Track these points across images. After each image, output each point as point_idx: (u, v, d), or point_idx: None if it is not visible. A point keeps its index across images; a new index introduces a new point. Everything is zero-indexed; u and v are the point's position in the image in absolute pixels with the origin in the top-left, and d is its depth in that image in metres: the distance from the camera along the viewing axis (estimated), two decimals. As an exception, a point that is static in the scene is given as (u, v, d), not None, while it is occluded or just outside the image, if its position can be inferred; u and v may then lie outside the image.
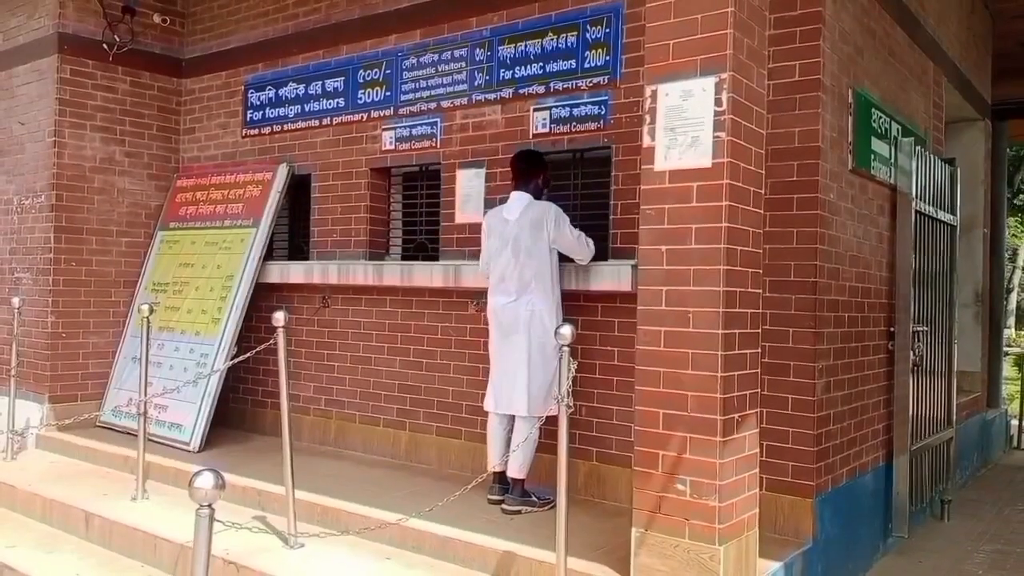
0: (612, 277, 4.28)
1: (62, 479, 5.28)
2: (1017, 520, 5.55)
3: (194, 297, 6.17)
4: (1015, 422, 9.28)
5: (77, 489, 5.01)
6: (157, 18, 6.73)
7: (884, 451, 4.72)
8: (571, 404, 3.23)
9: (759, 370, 3.44)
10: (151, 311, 5.04)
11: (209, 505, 2.35)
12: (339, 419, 5.78)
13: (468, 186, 5.07)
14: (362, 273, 5.49)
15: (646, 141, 3.33)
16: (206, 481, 2.32)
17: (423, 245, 5.57)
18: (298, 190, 6.16)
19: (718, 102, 3.17)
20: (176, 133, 6.89)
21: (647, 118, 3.34)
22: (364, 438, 5.61)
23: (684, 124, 3.23)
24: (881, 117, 4.56)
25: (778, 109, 3.90)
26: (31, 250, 6.45)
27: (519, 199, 4.37)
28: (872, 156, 4.46)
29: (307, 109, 6.01)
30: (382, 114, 5.57)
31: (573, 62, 4.70)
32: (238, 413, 6.38)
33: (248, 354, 4.74)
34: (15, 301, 5.98)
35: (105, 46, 6.42)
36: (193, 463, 5.00)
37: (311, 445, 5.72)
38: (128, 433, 5.82)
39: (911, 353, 4.77)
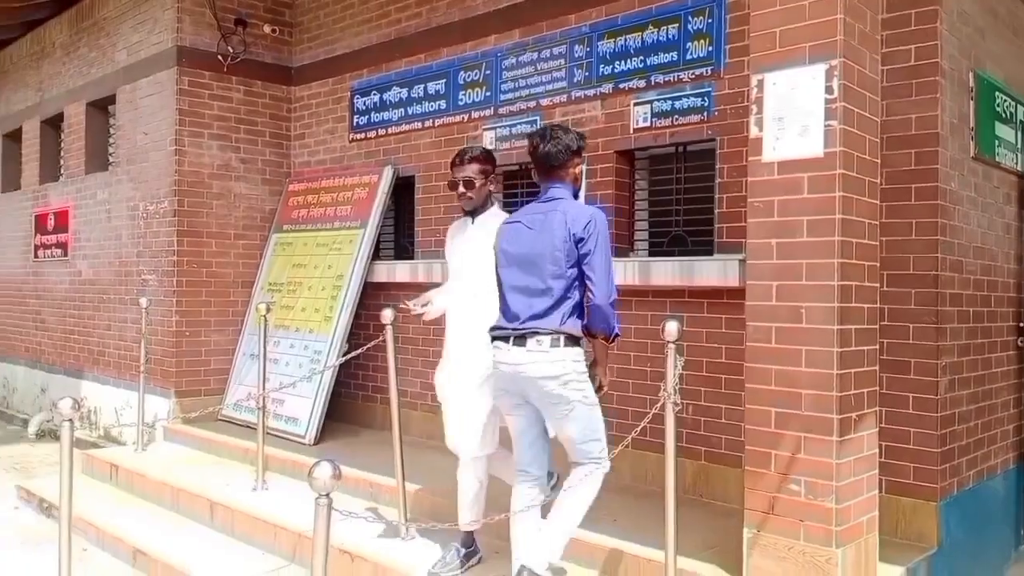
0: (718, 272, 4.20)
1: (188, 469, 5.59)
2: None
3: (307, 296, 6.41)
4: None
5: (202, 479, 5.30)
6: (267, 28, 7.01)
7: (1015, 453, 4.46)
8: (678, 402, 3.19)
9: (877, 367, 3.31)
10: (268, 310, 5.27)
11: (327, 495, 2.44)
12: (445, 415, 5.88)
13: (569, 183, 5.06)
14: (465, 271, 5.56)
15: (753, 132, 3.26)
16: (324, 471, 2.41)
17: (525, 243, 5.60)
18: (403, 191, 6.31)
19: (829, 90, 3.06)
20: (287, 139, 7.16)
21: (753, 108, 3.26)
22: (469, 433, 5.68)
23: (793, 113, 3.14)
24: (1006, 101, 4.30)
25: (893, 95, 3.73)
26: (156, 253, 6.85)
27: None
28: (997, 142, 4.21)
29: (410, 112, 6.15)
30: (482, 114, 5.64)
31: (675, 54, 4.63)
32: (349, 408, 6.59)
33: (358, 351, 4.89)
34: (143, 302, 6.36)
35: (220, 57, 6.74)
36: (308, 455, 5.21)
37: (419, 439, 5.85)
38: (247, 426, 6.10)
39: (1043, 349, 4.49)
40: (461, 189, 3.60)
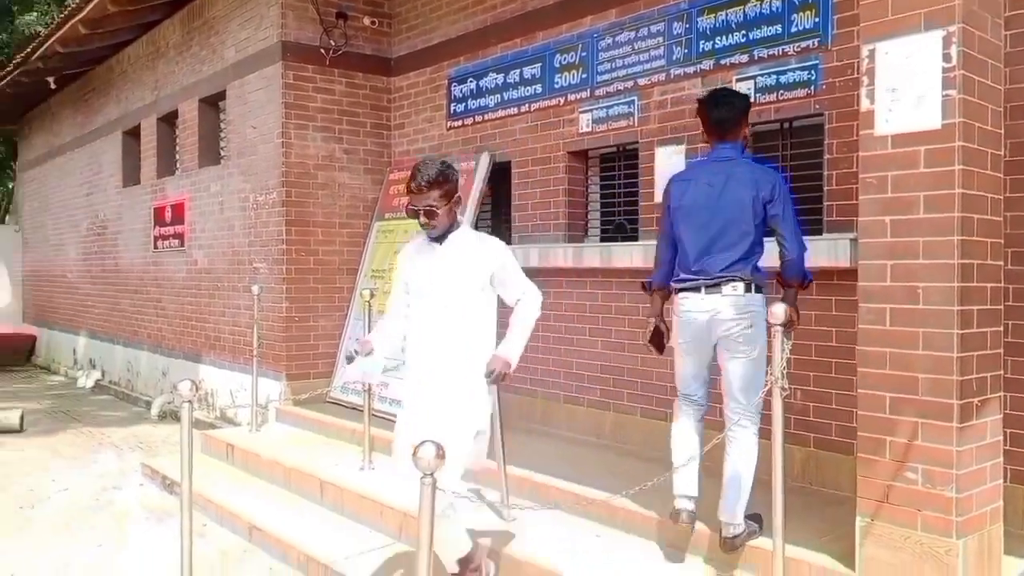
0: (827, 253, 4.04)
1: (298, 449, 5.82)
2: None
3: (407, 282, 6.54)
4: None
5: (312, 458, 5.50)
6: (367, 21, 7.16)
7: None
8: (786, 387, 3.09)
9: (1002, 350, 3.13)
10: (372, 296, 5.41)
11: (431, 474, 2.48)
12: (544, 399, 5.92)
13: (667, 164, 4.98)
14: (562, 256, 5.56)
15: (864, 105, 3.11)
16: (429, 452, 2.46)
17: (622, 226, 5.56)
18: (499, 177, 6.34)
19: (946, 58, 2.89)
20: (387, 129, 7.31)
21: (864, 80, 3.11)
22: (568, 418, 5.71)
23: (907, 84, 2.98)
24: None
25: (1017, 62, 3.50)
26: (266, 242, 7.12)
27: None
28: None
29: (506, 97, 6.17)
30: (579, 96, 5.60)
31: (779, 27, 4.47)
32: (449, 392, 6.69)
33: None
34: (255, 289, 6.64)
35: (322, 51, 6.93)
36: (411, 438, 5.32)
37: (518, 423, 5.89)
38: (354, 408, 6.29)
39: None
40: (423, 220, 3.25)
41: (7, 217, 17.62)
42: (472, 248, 3.33)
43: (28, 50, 9.84)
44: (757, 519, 3.54)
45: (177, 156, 9.03)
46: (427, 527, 2.51)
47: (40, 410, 9.14)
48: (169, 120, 9.16)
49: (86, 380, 10.99)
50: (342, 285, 7.11)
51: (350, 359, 3.41)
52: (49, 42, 9.13)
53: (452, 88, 6.67)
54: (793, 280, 3.48)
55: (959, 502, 2.90)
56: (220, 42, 7.88)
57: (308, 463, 5.38)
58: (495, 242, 3.40)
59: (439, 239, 3.33)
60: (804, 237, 3.48)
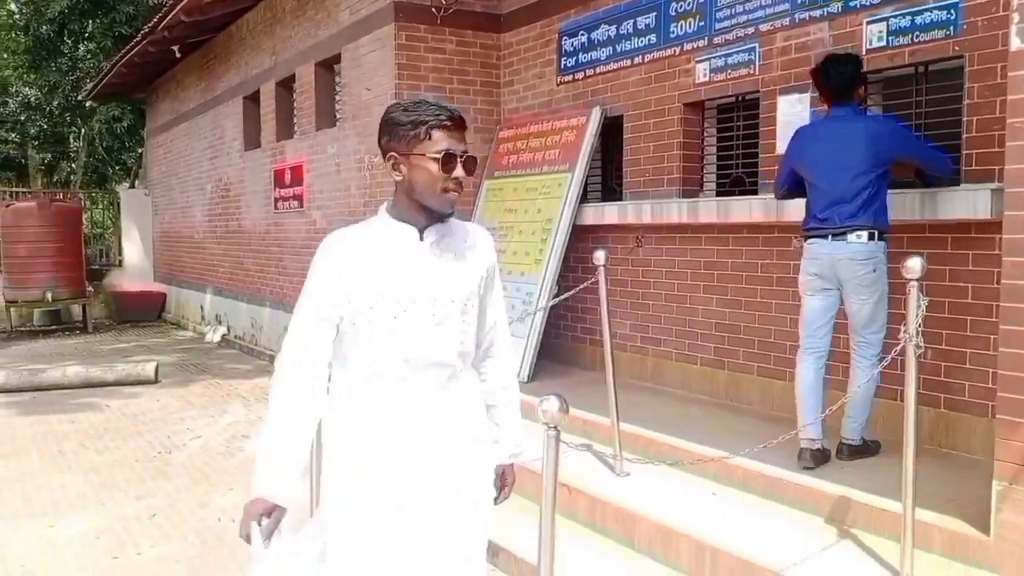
0: (966, 204, 3.81)
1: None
2: None
3: (518, 240, 6.58)
4: None
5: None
6: (477, -23, 7.13)
7: None
8: (920, 345, 2.96)
9: None
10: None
11: (555, 427, 2.51)
12: (655, 356, 5.87)
13: (790, 113, 4.78)
14: (676, 211, 5.46)
15: (1015, 44, 2.88)
16: (552, 405, 2.49)
17: (740, 179, 5.39)
18: (610, 132, 6.26)
19: (1115, -13, 2.64)
20: (497, 87, 7.31)
21: (1015, 17, 2.88)
22: (681, 376, 5.65)
23: (1067, 18, 2.75)
24: None
25: None
26: (380, 202, 7.25)
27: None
28: None
29: (618, 50, 6.05)
30: (695, 46, 5.43)
31: (914, -35, 4.19)
32: (558, 348, 6.74)
33: (570, 292, 4.96)
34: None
35: (433, 10, 6.96)
36: (525, 393, 5.38)
37: (628, 380, 5.87)
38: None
39: None
40: (461, 173, 1.97)
41: (137, 181, 18.73)
42: (462, 240, 2.10)
43: (154, 20, 10.30)
44: (876, 444, 4.01)
45: (295, 119, 9.32)
46: (551, 478, 2.55)
47: (172, 363, 9.75)
48: (287, 84, 9.44)
49: (213, 335, 11.62)
50: (453, 243, 7.19)
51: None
52: (174, 11, 9.52)
53: (562, 42, 6.59)
54: (938, 176, 3.88)
55: (1112, 468, 2.72)
56: (334, 5, 8.03)
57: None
58: (480, 229, 2.20)
59: (433, 225, 2.04)
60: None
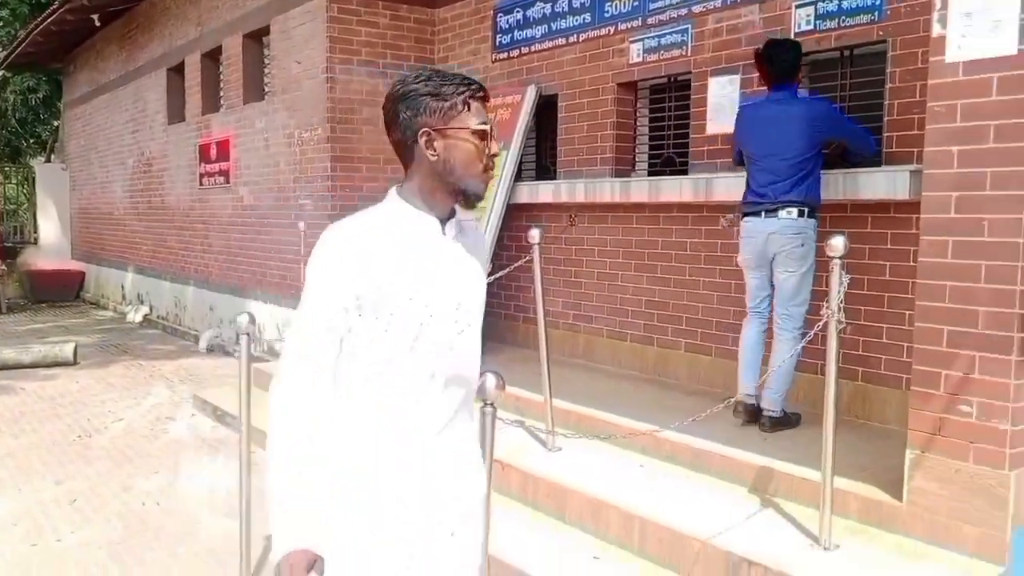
0: (886, 184, 3.94)
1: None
2: None
3: (451, 218, 6.54)
4: None
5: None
6: (410, -49, 7.02)
7: None
8: (842, 320, 3.07)
9: (1067, 284, 3.05)
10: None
11: (492, 403, 2.51)
12: (587, 333, 5.93)
13: (720, 94, 4.87)
14: (608, 190, 5.51)
15: (935, 30, 2.99)
16: (490, 382, 2.46)
17: (671, 159, 5.47)
18: (544, 110, 6.26)
19: (1027, -22, 2.76)
20: (431, 63, 7.21)
21: (937, 3, 2.98)
22: (612, 352, 5.73)
23: (984, 7, 2.86)
24: None
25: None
26: (311, 179, 7.16)
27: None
28: None
29: (554, 28, 6.05)
30: (629, 25, 5.47)
31: (841, -49, 4.30)
32: (491, 326, 6.74)
33: (504, 271, 4.97)
34: (301, 225, 6.69)
35: (366, -18, 6.83)
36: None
37: (561, 358, 5.92)
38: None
39: None
40: (495, 148, 1.77)
41: (52, 156, 17.93)
42: (471, 235, 1.88)
43: (73, -14, 9.86)
44: (796, 416, 4.15)
45: (222, 93, 9.04)
46: (487, 453, 2.54)
47: (92, 344, 9.42)
48: (213, 56, 9.15)
49: (135, 315, 11.27)
50: (386, 221, 7.12)
51: None
52: (93, -23, 9.13)
53: (498, 19, 6.55)
54: (862, 154, 4.10)
55: (1013, 435, 2.87)
56: (263, -25, 7.81)
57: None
58: (476, 222, 2.01)
59: (453, 214, 1.82)
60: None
